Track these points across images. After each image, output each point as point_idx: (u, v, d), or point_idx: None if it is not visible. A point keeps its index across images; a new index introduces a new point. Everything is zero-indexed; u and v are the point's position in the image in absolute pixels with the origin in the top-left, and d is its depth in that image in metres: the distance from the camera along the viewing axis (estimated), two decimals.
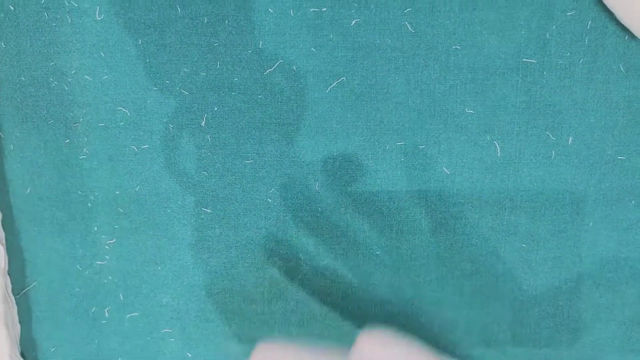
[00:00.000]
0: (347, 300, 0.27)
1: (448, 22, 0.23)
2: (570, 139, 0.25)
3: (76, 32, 0.23)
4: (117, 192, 0.25)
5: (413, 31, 0.23)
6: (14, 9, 0.23)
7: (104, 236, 0.26)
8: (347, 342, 0.23)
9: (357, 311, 0.27)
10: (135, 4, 0.23)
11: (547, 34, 0.23)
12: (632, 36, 0.23)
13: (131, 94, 0.24)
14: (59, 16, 0.23)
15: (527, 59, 0.24)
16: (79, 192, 0.25)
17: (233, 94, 0.24)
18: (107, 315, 0.26)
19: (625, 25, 0.23)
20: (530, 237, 0.26)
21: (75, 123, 0.24)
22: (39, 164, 0.25)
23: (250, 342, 0.27)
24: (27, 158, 0.24)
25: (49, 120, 0.24)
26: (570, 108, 0.24)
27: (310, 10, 0.23)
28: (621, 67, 0.24)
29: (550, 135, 0.25)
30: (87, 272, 0.26)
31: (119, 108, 0.24)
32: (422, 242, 0.26)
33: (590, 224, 0.25)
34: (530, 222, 0.26)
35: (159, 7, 0.23)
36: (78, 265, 0.26)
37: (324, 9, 0.23)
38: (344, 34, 0.23)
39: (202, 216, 0.26)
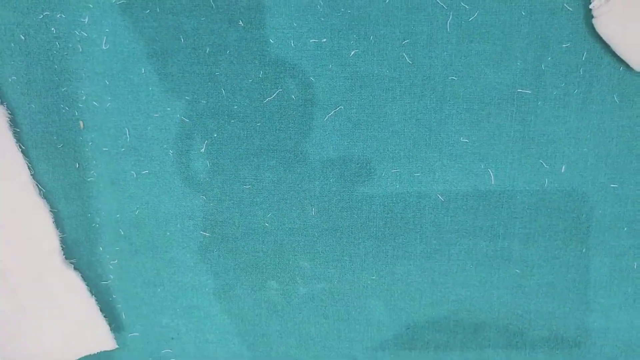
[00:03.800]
0: (343, 323, 0.25)
1: (445, 53, 0.22)
2: (564, 167, 0.23)
3: (86, 60, 0.22)
4: (118, 216, 0.24)
5: (410, 62, 0.22)
6: (25, 39, 0.22)
7: (107, 256, 0.25)
8: None
9: (353, 334, 0.25)
10: (140, 34, 0.22)
11: (542, 65, 0.22)
12: (627, 67, 0.22)
13: (133, 120, 0.23)
14: (70, 45, 0.22)
15: (522, 89, 0.22)
16: (87, 215, 0.24)
17: (233, 121, 0.23)
18: (110, 333, 0.26)
19: (621, 56, 0.22)
20: (524, 263, 0.24)
21: (84, 148, 0.24)
22: (48, 187, 0.23)
23: None
24: (38, 182, 0.23)
25: (59, 145, 0.23)
26: (564, 137, 0.23)
27: (311, 41, 0.22)
28: (615, 98, 0.22)
29: (544, 164, 0.23)
30: (93, 291, 0.25)
31: (120, 134, 0.23)
32: (417, 267, 0.25)
33: (584, 250, 0.24)
34: (524, 249, 0.24)
35: (163, 38, 0.22)
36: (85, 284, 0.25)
37: (324, 40, 0.22)
38: (342, 64, 0.22)
39: (201, 240, 0.24)
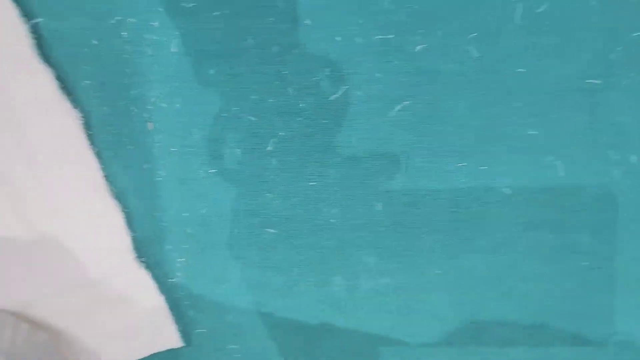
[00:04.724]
0: (407, 318, 0.25)
1: (512, 46, 0.21)
2: (634, 158, 0.23)
3: (155, 63, 0.23)
4: (185, 214, 0.24)
5: (477, 55, 0.22)
6: (98, 44, 0.23)
7: (175, 254, 0.25)
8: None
9: (417, 329, 0.25)
10: (208, 36, 0.22)
11: (612, 55, 0.22)
12: None
13: (201, 120, 0.23)
14: (139, 49, 0.22)
15: (592, 80, 0.22)
16: (155, 214, 0.24)
17: (299, 119, 0.23)
18: (178, 330, 0.26)
19: None
20: (592, 256, 0.23)
21: (153, 148, 0.24)
22: (119, 188, 0.24)
23: (316, 357, 0.26)
24: (110, 182, 0.23)
25: (129, 146, 0.24)
26: (634, 127, 0.22)
27: (376, 37, 0.22)
28: None
29: (614, 155, 0.23)
30: (161, 289, 0.25)
31: (189, 134, 0.24)
32: (483, 261, 0.24)
33: None
34: (592, 241, 0.23)
35: (230, 39, 0.22)
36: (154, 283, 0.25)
37: (390, 36, 0.22)
38: (408, 60, 0.22)
39: (266, 237, 0.24)
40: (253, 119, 0.23)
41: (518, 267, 0.24)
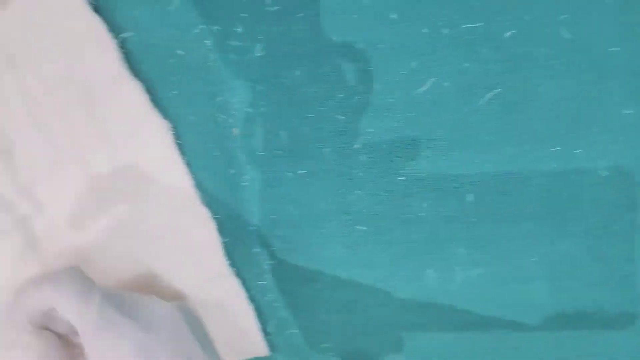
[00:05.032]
0: (504, 308, 0.25)
1: (604, 24, 0.21)
2: None
3: (238, 68, 0.23)
4: (274, 217, 0.24)
5: (569, 37, 0.22)
6: (183, 54, 0.23)
7: (263, 258, 0.25)
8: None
9: (514, 318, 0.25)
10: (293, 38, 0.22)
11: None
12: None
13: (287, 122, 0.23)
14: (223, 55, 0.23)
15: None
16: (243, 219, 0.25)
17: (386, 114, 0.23)
18: (269, 331, 0.26)
19: None
20: None
21: (239, 153, 0.24)
22: (208, 192, 0.24)
23: (410, 352, 0.26)
24: (199, 191, 0.24)
25: (215, 153, 0.24)
26: None
27: (464, 26, 0.22)
28: None
29: None
30: (251, 292, 0.25)
31: (275, 137, 0.24)
32: (579, 245, 0.23)
33: None
34: None
35: (315, 39, 0.22)
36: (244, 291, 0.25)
37: (478, 24, 0.22)
38: (497, 47, 0.22)
39: (357, 234, 0.24)
40: (340, 117, 0.23)
41: (617, 250, 0.24)
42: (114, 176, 0.24)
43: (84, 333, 0.19)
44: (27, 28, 0.22)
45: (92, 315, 0.19)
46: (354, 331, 0.26)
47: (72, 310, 0.19)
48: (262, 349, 0.26)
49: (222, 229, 0.25)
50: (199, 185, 0.24)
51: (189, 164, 0.24)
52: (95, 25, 0.22)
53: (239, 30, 0.23)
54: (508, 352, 0.25)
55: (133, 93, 0.23)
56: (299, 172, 0.24)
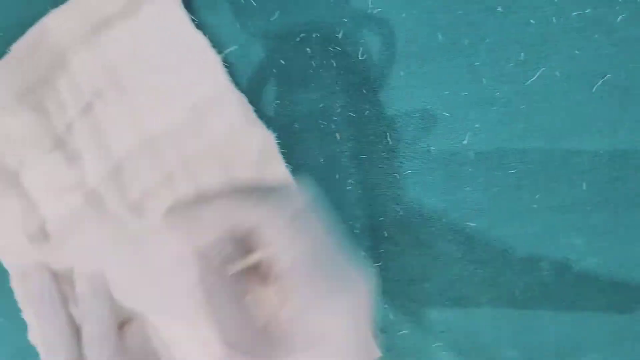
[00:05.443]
0: (621, 297, 0.24)
1: None
2: None
3: (339, 73, 0.23)
4: (381, 219, 0.24)
5: None
6: (285, 63, 0.23)
7: (370, 260, 0.25)
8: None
9: (633, 305, 0.25)
10: (396, 38, 0.22)
11: None
12: None
13: (392, 124, 0.23)
14: (324, 62, 0.23)
15: None
16: (348, 223, 0.25)
17: (494, 108, 0.23)
18: (378, 333, 0.26)
19: None
20: None
21: (342, 158, 0.24)
22: (314, 199, 0.25)
23: (523, 347, 0.25)
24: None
25: (320, 160, 0.24)
26: None
27: (573, 14, 0.21)
28: None
29: None
30: None
31: (380, 139, 0.24)
32: None
33: None
34: None
35: (420, 37, 0.22)
36: None
37: (588, 11, 0.22)
38: (608, 32, 0.21)
39: (467, 230, 0.24)
40: (447, 114, 0.23)
41: None
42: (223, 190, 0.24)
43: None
44: (134, 45, 0.23)
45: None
46: (467, 329, 0.25)
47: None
48: (375, 352, 0.26)
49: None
50: (305, 193, 0.25)
51: (294, 173, 0.24)
52: (199, 42, 0.23)
53: (339, 35, 0.23)
54: (626, 342, 0.25)
55: (237, 105, 0.23)
56: (405, 172, 0.24)
